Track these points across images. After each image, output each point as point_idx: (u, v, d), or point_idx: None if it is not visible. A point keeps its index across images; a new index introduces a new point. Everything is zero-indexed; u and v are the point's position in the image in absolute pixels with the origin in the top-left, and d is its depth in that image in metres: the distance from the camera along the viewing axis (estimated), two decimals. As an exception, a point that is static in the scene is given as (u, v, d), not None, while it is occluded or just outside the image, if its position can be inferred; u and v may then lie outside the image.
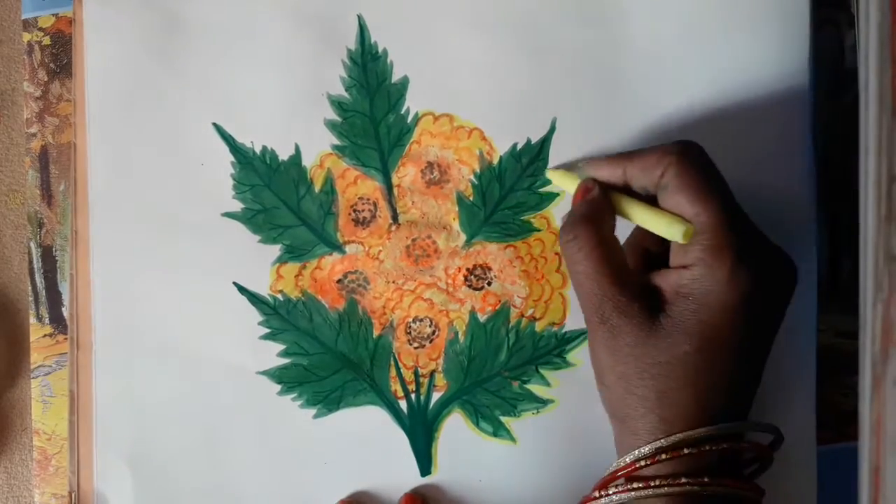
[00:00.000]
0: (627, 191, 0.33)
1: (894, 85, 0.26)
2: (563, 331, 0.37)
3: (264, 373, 0.38)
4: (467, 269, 0.37)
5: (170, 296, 0.38)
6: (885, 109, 0.26)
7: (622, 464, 0.31)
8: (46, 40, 0.40)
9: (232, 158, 0.38)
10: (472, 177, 0.38)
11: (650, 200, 0.32)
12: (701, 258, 0.29)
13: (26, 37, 0.40)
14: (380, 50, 0.38)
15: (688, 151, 0.31)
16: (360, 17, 0.38)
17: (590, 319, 0.32)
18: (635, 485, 0.30)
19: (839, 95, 0.38)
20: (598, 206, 0.33)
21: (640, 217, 0.32)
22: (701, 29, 0.37)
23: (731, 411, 0.30)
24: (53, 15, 0.40)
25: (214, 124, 0.38)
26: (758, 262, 0.30)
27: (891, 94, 0.26)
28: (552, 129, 0.37)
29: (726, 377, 0.30)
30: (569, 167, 0.36)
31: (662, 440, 0.30)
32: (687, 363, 0.30)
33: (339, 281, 0.38)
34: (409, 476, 0.37)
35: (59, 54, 0.40)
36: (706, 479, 0.29)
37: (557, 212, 0.37)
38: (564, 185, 0.35)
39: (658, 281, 0.31)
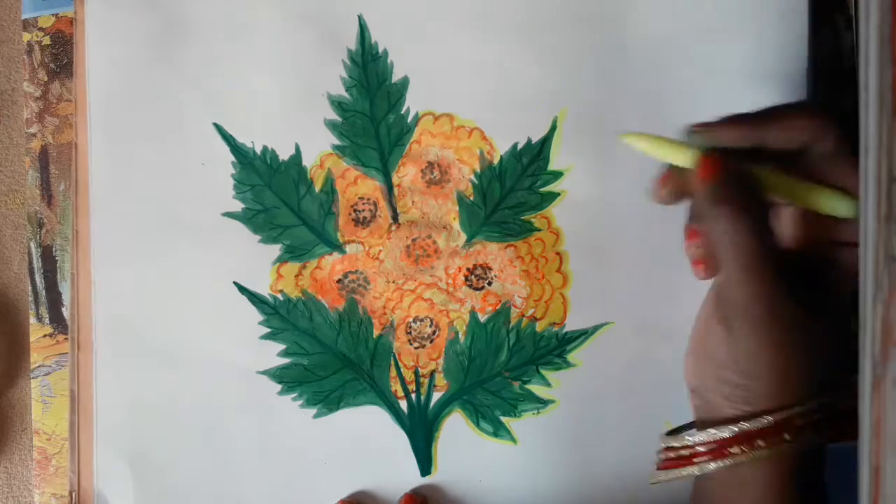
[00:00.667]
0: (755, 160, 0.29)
1: (894, 85, 0.26)
2: (564, 331, 0.37)
3: (265, 372, 0.38)
4: (468, 269, 0.37)
5: (170, 296, 0.38)
6: (885, 109, 0.26)
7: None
8: (46, 40, 0.40)
9: (232, 158, 0.38)
10: (472, 176, 0.38)
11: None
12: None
13: (26, 37, 0.40)
14: (380, 50, 0.38)
15: (834, 119, 0.28)
16: (360, 18, 0.38)
17: (740, 277, 0.28)
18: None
19: (839, 95, 0.38)
20: (748, 183, 0.28)
21: (801, 193, 0.28)
22: (702, 29, 0.37)
23: None
24: (53, 15, 0.40)
25: (215, 124, 0.38)
26: None
27: (891, 94, 0.26)
28: (553, 129, 0.37)
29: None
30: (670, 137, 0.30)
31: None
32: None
33: (339, 281, 0.38)
34: (409, 476, 0.37)
35: (60, 54, 0.40)
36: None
37: (558, 212, 0.37)
38: (668, 157, 0.29)
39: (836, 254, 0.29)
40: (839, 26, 0.38)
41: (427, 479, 0.37)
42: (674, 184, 0.29)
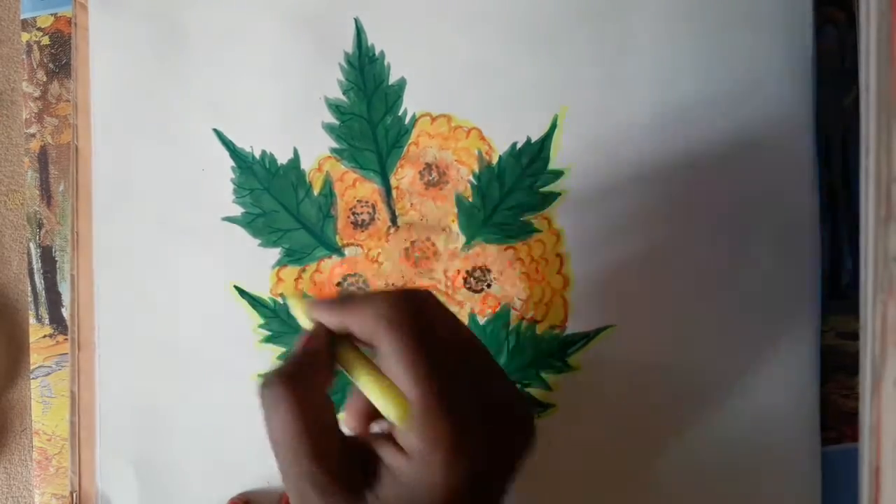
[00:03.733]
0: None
1: (894, 85, 0.26)
2: (565, 334, 0.37)
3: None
4: (467, 272, 0.37)
5: (171, 299, 0.38)
6: (885, 109, 0.26)
7: None
8: (45, 40, 0.40)
9: (232, 163, 0.38)
10: (471, 177, 0.37)
11: None
12: (416, 448, 0.25)
13: (25, 37, 0.40)
14: (377, 52, 0.38)
15: (403, 312, 0.26)
16: (356, 21, 0.38)
17: (288, 489, 0.27)
18: None
19: (839, 95, 0.38)
20: (314, 361, 0.27)
21: (362, 381, 0.27)
22: (703, 28, 0.37)
23: None
24: (52, 15, 0.40)
25: (215, 130, 0.38)
26: (480, 440, 0.26)
27: (890, 94, 0.26)
28: (553, 127, 0.37)
29: None
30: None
31: None
32: None
33: (338, 284, 0.38)
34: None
35: (58, 54, 0.40)
36: None
37: (559, 212, 0.37)
38: (301, 320, 0.29)
39: (377, 449, 0.27)
40: (840, 26, 0.38)
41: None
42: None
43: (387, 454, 0.26)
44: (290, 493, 0.27)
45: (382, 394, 0.26)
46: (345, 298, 0.28)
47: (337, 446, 0.27)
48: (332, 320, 0.28)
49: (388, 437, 0.27)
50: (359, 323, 0.27)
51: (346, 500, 0.26)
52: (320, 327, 0.28)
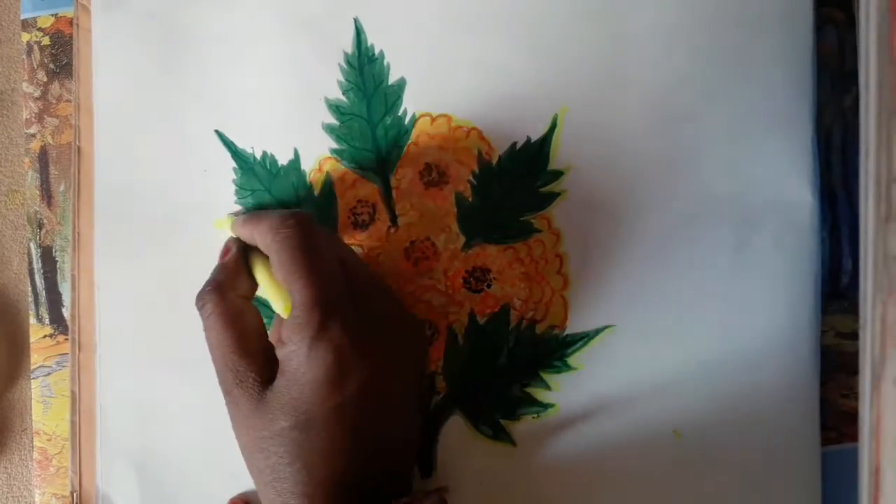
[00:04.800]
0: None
1: (894, 85, 0.26)
2: (565, 334, 0.37)
3: None
4: (466, 272, 0.37)
5: (171, 299, 0.38)
6: (885, 109, 0.26)
7: None
8: (46, 40, 0.40)
9: (234, 164, 0.38)
10: (470, 177, 0.37)
11: None
12: (288, 335, 0.30)
13: (25, 37, 0.40)
14: (376, 52, 0.38)
15: (285, 226, 0.31)
16: (356, 21, 0.38)
17: (221, 389, 0.32)
18: None
19: (839, 95, 0.38)
20: (230, 270, 0.33)
21: (262, 284, 0.33)
22: (703, 28, 0.37)
23: (344, 483, 0.30)
24: (53, 15, 0.40)
25: (216, 131, 0.38)
26: (345, 341, 0.30)
27: (891, 94, 0.26)
28: (553, 127, 0.37)
29: (338, 451, 0.30)
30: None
31: None
32: (287, 439, 0.30)
33: (338, 283, 0.38)
34: (408, 478, 0.37)
35: (59, 54, 0.40)
36: None
37: (559, 212, 0.37)
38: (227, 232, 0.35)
39: (277, 348, 0.31)
40: (841, 26, 0.38)
41: (428, 482, 0.37)
42: None
43: (279, 349, 0.31)
44: (220, 384, 0.32)
45: (273, 292, 0.32)
46: (251, 215, 0.33)
47: (258, 346, 0.32)
48: (244, 232, 0.33)
49: (280, 342, 0.31)
50: (259, 233, 0.32)
51: (255, 390, 0.31)
52: (234, 241, 0.34)
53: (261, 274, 0.33)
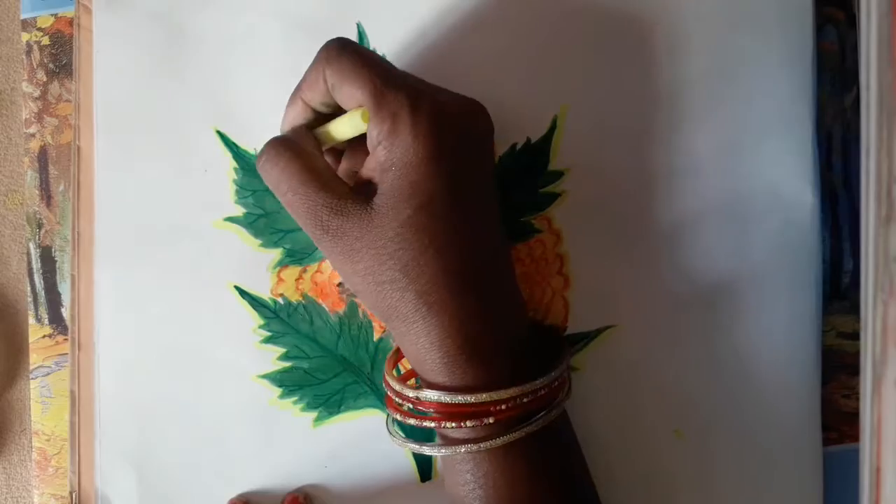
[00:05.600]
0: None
1: (894, 85, 0.26)
2: (565, 334, 0.37)
3: (265, 376, 0.38)
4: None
5: (171, 299, 0.38)
6: (885, 109, 0.26)
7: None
8: (45, 40, 0.40)
9: (234, 164, 0.38)
10: (471, 177, 0.37)
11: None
12: (382, 130, 0.30)
13: (25, 37, 0.40)
14: (379, 55, 0.38)
15: (332, 48, 0.31)
16: (359, 26, 0.38)
17: (314, 235, 0.31)
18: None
19: (839, 95, 0.38)
20: (295, 131, 0.33)
21: (332, 129, 0.32)
22: (703, 28, 0.37)
23: (478, 250, 0.31)
24: (52, 15, 0.40)
25: (218, 131, 0.38)
26: (436, 113, 0.30)
27: (891, 94, 0.26)
28: (553, 127, 0.37)
29: (459, 222, 0.30)
30: None
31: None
32: (415, 226, 0.29)
33: (339, 284, 0.38)
34: (408, 481, 0.37)
35: (59, 54, 0.40)
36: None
37: (559, 212, 0.37)
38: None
39: (363, 173, 0.31)
40: (841, 26, 0.38)
41: (427, 485, 0.37)
42: None
43: (369, 162, 0.31)
44: (315, 238, 0.31)
45: (346, 118, 0.31)
46: (294, 93, 0.33)
47: (340, 182, 0.31)
48: (296, 108, 0.33)
49: (367, 159, 0.31)
50: (309, 86, 0.32)
51: (361, 209, 0.30)
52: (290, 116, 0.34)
53: (326, 128, 0.32)
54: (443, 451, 0.30)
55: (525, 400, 0.30)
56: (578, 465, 0.32)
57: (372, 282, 0.30)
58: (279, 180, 0.31)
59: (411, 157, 0.29)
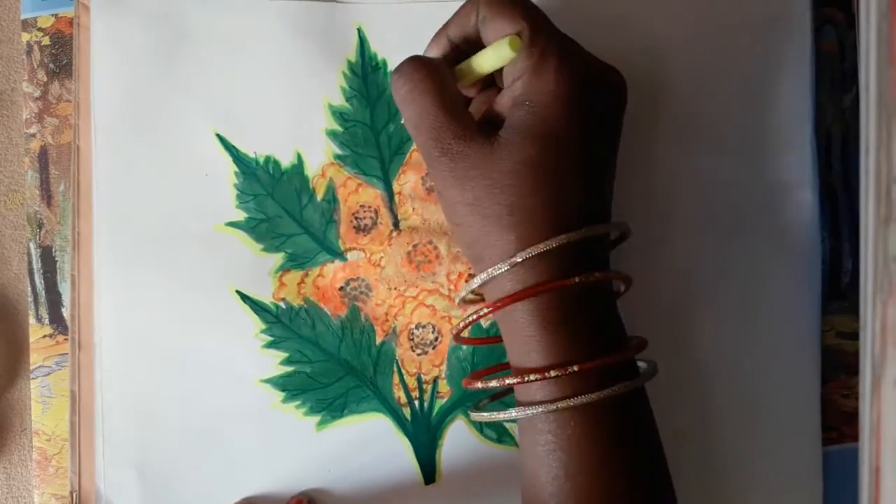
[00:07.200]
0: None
1: (894, 85, 0.26)
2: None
3: (267, 381, 0.38)
4: (469, 275, 0.37)
5: (173, 304, 0.38)
6: (885, 109, 0.26)
7: (478, 284, 0.30)
8: (46, 40, 0.40)
9: (235, 168, 0.38)
10: (472, 179, 0.37)
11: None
12: (528, 64, 0.29)
13: (25, 37, 0.40)
14: (379, 60, 0.38)
15: None
16: (360, 30, 0.38)
17: (430, 156, 0.31)
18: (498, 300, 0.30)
19: (839, 95, 0.38)
20: (435, 59, 0.32)
21: (475, 61, 0.32)
22: (702, 28, 0.37)
23: (586, 212, 0.30)
24: (53, 15, 0.40)
25: (218, 135, 0.38)
26: (582, 63, 0.30)
27: (890, 94, 0.26)
28: None
29: (576, 175, 0.30)
30: None
31: (519, 255, 0.29)
32: (534, 165, 0.29)
33: (341, 288, 0.38)
34: (413, 484, 0.37)
35: (59, 55, 0.40)
36: (572, 277, 0.29)
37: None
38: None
39: (495, 106, 0.31)
40: (840, 26, 0.38)
41: (431, 487, 0.37)
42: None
43: (503, 94, 0.31)
44: (431, 159, 0.31)
45: (493, 48, 0.30)
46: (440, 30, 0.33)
47: (467, 110, 0.31)
48: (441, 44, 0.32)
49: (501, 91, 0.31)
50: (458, 22, 0.32)
51: (485, 138, 0.30)
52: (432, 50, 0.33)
53: (469, 62, 0.32)
54: (528, 410, 0.29)
55: (610, 359, 0.29)
56: (655, 438, 0.32)
57: (478, 214, 0.30)
58: (410, 97, 0.31)
59: (549, 96, 0.29)
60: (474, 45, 0.32)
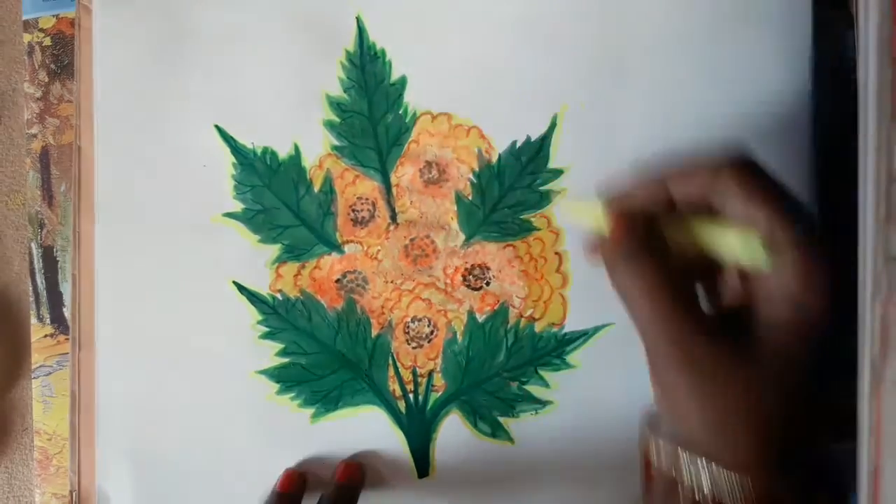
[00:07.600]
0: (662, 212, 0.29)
1: (894, 85, 0.26)
2: (563, 332, 0.37)
3: (263, 372, 0.38)
4: (466, 269, 0.37)
5: (170, 295, 0.38)
6: (885, 109, 0.26)
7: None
8: (47, 41, 0.40)
9: (233, 159, 0.38)
10: (470, 175, 0.37)
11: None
12: (789, 286, 0.27)
13: (27, 37, 0.40)
14: (378, 50, 0.38)
15: (744, 158, 0.28)
16: (358, 20, 0.38)
17: (669, 353, 0.28)
18: None
19: (839, 95, 0.38)
20: (646, 236, 0.29)
21: (707, 233, 0.28)
22: (703, 28, 0.37)
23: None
24: (54, 16, 0.40)
25: (216, 126, 0.38)
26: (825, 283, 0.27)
27: (890, 94, 0.26)
28: (552, 126, 0.37)
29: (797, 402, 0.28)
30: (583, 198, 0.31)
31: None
32: (780, 381, 0.27)
33: (337, 280, 0.38)
34: (406, 478, 0.37)
35: (60, 55, 0.40)
36: None
37: (557, 211, 0.37)
38: (583, 218, 0.30)
39: (749, 301, 0.28)
40: (840, 26, 0.38)
41: (425, 481, 0.37)
42: (600, 248, 0.30)
43: (762, 302, 0.27)
44: (659, 342, 0.27)
45: (735, 237, 0.27)
46: (656, 171, 0.29)
47: (700, 309, 0.28)
48: (655, 192, 0.28)
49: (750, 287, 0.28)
50: (689, 180, 0.28)
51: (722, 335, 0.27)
52: (625, 212, 0.29)
53: (695, 224, 0.28)
54: None
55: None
56: None
57: (716, 414, 0.27)
58: (632, 284, 0.28)
59: (796, 308, 0.26)
60: (692, 206, 0.29)
